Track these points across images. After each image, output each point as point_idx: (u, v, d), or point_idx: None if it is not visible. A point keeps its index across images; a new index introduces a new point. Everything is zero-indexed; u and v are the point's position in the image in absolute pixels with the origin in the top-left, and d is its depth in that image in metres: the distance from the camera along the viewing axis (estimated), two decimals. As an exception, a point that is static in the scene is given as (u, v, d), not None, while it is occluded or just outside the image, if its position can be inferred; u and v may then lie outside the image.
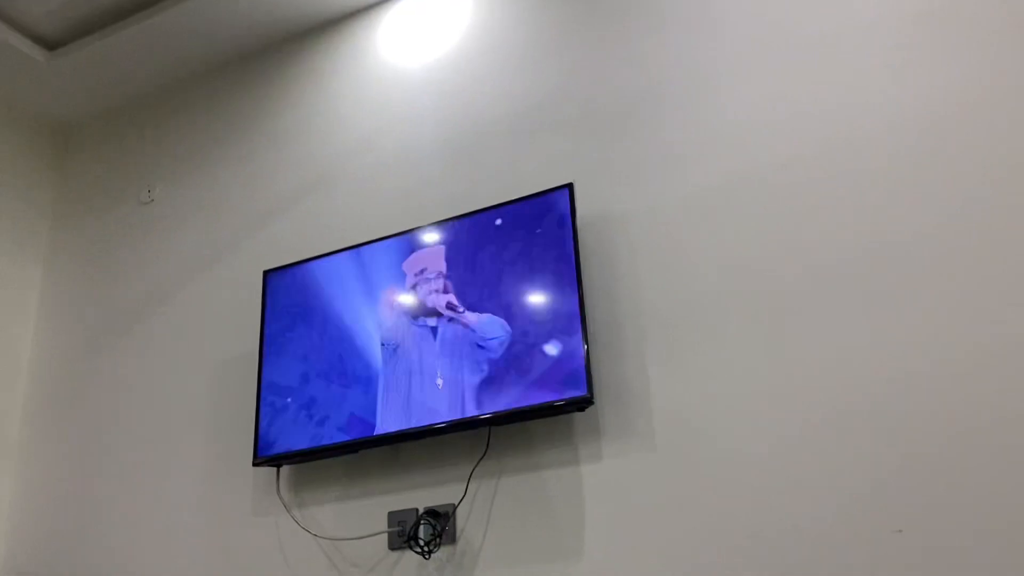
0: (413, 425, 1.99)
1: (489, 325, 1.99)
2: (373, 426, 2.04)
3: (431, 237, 2.15)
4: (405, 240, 2.18)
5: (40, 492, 2.64)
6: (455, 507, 2.01)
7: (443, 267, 2.10)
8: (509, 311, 1.98)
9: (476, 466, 2.02)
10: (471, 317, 2.01)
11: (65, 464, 2.64)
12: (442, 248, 2.12)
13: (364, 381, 2.09)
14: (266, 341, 2.27)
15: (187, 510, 2.37)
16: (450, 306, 2.01)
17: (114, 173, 3.02)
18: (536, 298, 1.97)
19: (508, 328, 1.96)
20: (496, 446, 2.02)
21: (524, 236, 2.03)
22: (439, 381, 1.99)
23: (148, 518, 2.42)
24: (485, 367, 1.96)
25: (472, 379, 1.96)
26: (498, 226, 2.07)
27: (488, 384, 1.94)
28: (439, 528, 1.99)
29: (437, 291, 2.07)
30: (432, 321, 2.06)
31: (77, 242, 2.99)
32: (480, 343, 1.98)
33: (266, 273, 2.35)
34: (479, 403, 1.94)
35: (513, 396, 1.91)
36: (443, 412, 1.97)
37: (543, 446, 1.98)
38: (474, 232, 2.10)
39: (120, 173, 3.00)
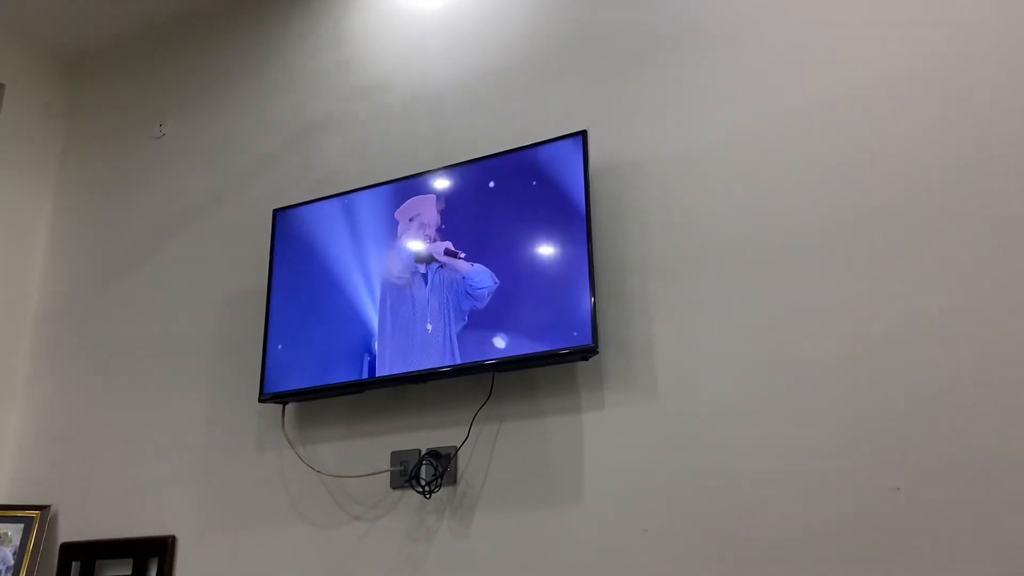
0: (415, 368, 2.01)
1: (479, 275, 2.00)
2: (378, 367, 2.06)
3: (440, 183, 2.14)
4: (412, 184, 2.17)
5: (46, 425, 2.68)
6: (457, 449, 2.03)
7: (437, 214, 2.10)
8: (514, 259, 1.98)
9: (479, 410, 2.04)
10: (464, 265, 2.01)
11: (71, 398, 2.67)
12: (432, 196, 2.12)
13: (369, 322, 2.10)
14: (274, 278, 2.28)
15: (192, 445, 2.41)
16: (448, 252, 2.01)
17: (126, 107, 3.00)
18: (544, 247, 1.96)
19: (496, 279, 1.97)
20: (499, 392, 2.03)
21: (534, 183, 2.02)
22: (428, 326, 2.01)
23: (153, 452, 2.46)
24: (466, 316, 1.98)
25: (456, 326, 1.98)
26: (507, 173, 2.06)
27: (474, 331, 1.95)
28: (440, 469, 2.02)
29: (431, 238, 2.08)
30: (423, 268, 2.07)
31: (87, 174, 2.98)
32: (469, 291, 2.00)
33: (276, 211, 2.35)
34: (464, 350, 1.96)
35: (507, 344, 1.92)
36: (435, 357, 1.99)
37: (546, 393, 1.99)
38: (482, 179, 2.09)
39: (132, 107, 2.99)
